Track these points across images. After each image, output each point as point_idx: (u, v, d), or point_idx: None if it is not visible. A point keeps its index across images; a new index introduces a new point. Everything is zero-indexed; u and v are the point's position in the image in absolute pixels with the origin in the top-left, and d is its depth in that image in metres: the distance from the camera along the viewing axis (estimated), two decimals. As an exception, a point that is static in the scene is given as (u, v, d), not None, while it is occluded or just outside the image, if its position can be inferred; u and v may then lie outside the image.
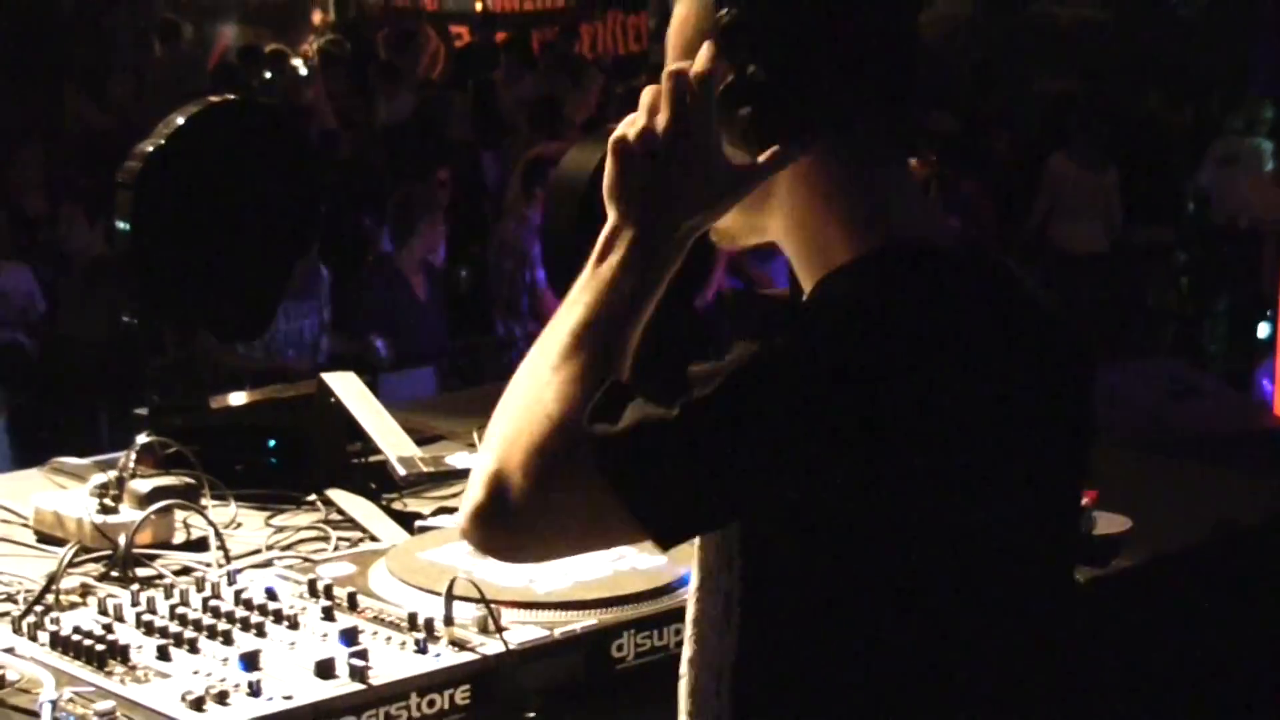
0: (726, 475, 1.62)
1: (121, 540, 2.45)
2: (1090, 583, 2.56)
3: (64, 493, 2.76)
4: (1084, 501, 2.66)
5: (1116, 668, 2.63)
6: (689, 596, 1.83)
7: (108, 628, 2.12)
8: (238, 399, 3.21)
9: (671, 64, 1.75)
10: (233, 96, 3.41)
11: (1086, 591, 2.55)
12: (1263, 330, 9.56)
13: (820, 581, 1.69)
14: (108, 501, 2.57)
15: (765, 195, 1.76)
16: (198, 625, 2.12)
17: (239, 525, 2.69)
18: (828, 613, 1.69)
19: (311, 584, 2.26)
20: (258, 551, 2.56)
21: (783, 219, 1.79)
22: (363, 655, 2.02)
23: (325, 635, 2.11)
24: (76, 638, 2.07)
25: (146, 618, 2.15)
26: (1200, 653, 2.74)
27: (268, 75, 13.00)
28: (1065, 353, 1.84)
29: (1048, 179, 9.50)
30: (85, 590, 2.31)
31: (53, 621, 2.14)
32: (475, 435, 3.11)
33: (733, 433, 1.60)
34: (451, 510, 2.75)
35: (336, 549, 2.57)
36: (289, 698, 1.94)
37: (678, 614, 1.95)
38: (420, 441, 2.92)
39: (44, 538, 2.62)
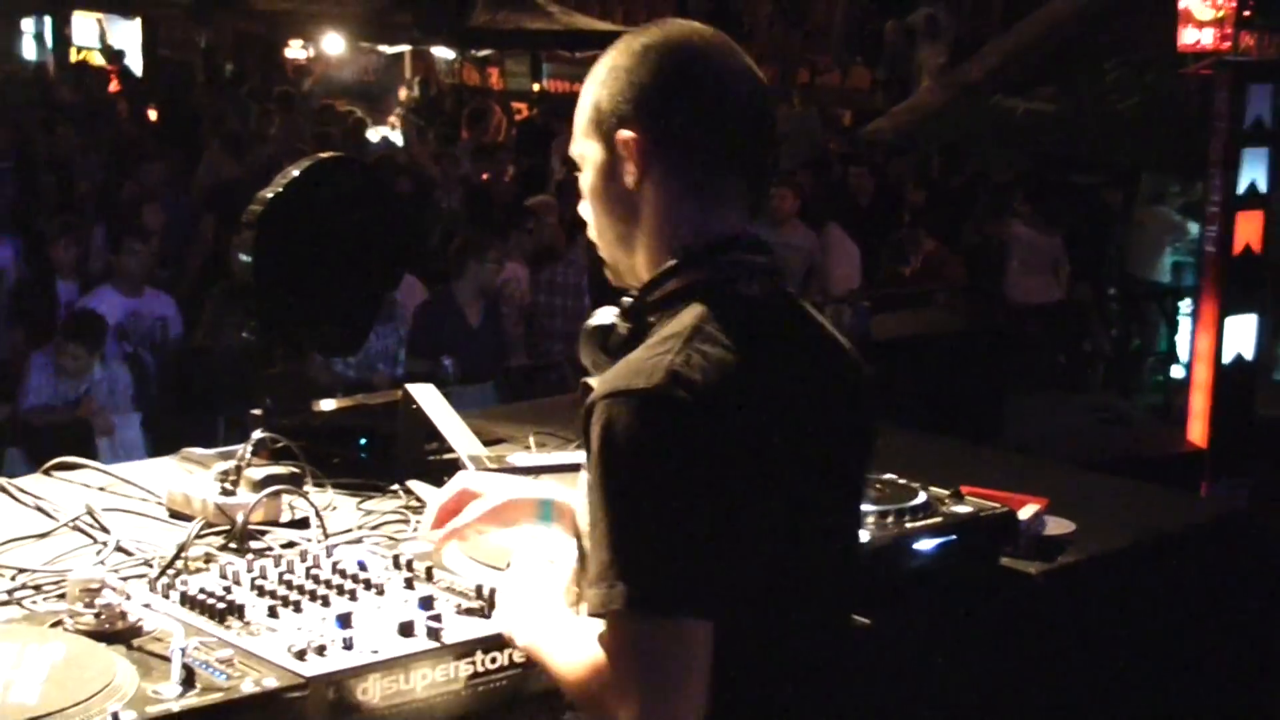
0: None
1: (239, 518, 2.44)
2: (1041, 575, 2.55)
3: (192, 477, 2.74)
4: (1037, 509, 2.65)
5: (1063, 645, 2.61)
6: None
7: (227, 589, 2.11)
8: (335, 404, 3.20)
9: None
10: (339, 154, 3.39)
11: (1038, 583, 2.54)
12: (1177, 371, 9.51)
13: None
14: (228, 485, 2.56)
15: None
16: (301, 590, 2.11)
17: (335, 509, 2.68)
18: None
19: (395, 559, 2.25)
20: (350, 531, 2.55)
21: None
22: (437, 618, 2.00)
23: (406, 601, 2.09)
24: (201, 597, 2.06)
25: (259, 582, 2.14)
26: (1130, 634, 2.73)
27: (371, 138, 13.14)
28: (840, 371, 1.85)
29: (1010, 243, 9.49)
30: (208, 558, 2.31)
31: (182, 583, 2.13)
32: (530, 439, 3.11)
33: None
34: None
35: (416, 530, 2.56)
36: (376, 651, 1.94)
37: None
38: (486, 443, 2.90)
39: (175, 514, 2.62)
